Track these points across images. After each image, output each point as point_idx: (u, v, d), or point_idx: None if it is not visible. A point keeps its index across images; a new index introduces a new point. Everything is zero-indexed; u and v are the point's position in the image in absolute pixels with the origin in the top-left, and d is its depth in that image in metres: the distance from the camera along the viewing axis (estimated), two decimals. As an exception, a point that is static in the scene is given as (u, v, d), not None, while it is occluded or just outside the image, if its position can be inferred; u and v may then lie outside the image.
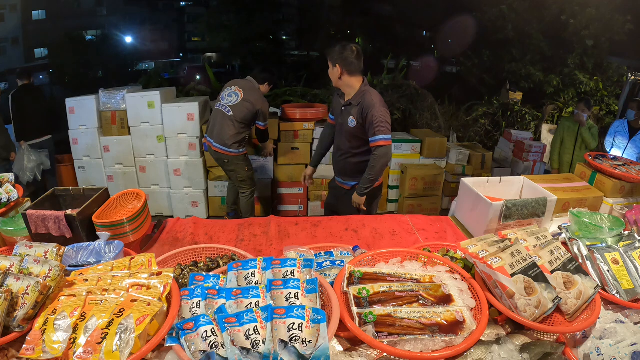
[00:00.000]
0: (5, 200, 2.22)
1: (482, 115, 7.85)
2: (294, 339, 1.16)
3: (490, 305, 1.44)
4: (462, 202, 2.51)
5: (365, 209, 2.93)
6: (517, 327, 1.45)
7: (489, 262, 1.45)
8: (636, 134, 4.72)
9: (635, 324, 1.46)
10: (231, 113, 4.15)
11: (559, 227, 2.04)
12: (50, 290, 1.35)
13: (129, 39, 14.54)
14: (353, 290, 1.39)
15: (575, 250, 1.79)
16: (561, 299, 1.47)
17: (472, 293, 1.50)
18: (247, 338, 1.17)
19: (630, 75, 8.04)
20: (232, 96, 4.22)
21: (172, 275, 1.43)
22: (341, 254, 1.78)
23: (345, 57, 2.78)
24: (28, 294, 1.28)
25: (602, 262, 1.68)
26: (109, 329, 1.17)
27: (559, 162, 5.26)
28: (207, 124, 4.38)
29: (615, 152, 4.84)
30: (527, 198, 2.20)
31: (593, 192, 2.49)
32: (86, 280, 1.44)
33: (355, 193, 2.90)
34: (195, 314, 1.30)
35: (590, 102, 5.20)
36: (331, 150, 3.25)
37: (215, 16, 13.87)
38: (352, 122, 2.83)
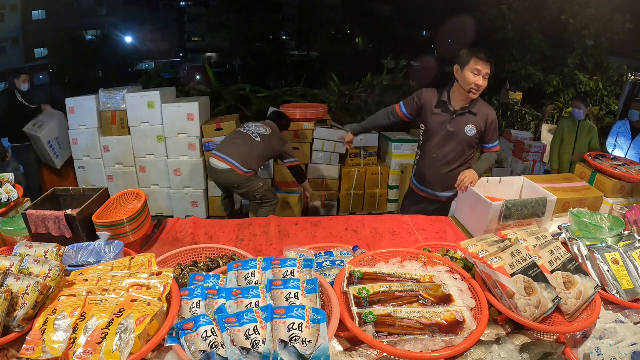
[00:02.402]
0: (5, 200, 2.21)
1: (483, 115, 7.84)
2: (294, 339, 1.16)
3: (490, 305, 1.44)
4: (462, 203, 2.51)
5: (468, 187, 2.59)
6: (517, 327, 1.45)
7: (489, 262, 1.45)
8: (639, 134, 4.72)
9: (635, 324, 1.46)
10: (259, 140, 4.10)
11: (559, 227, 2.04)
12: (50, 290, 1.35)
13: (128, 39, 14.55)
14: (353, 290, 1.39)
15: (575, 250, 1.79)
16: (561, 299, 1.47)
17: (472, 293, 1.50)
18: (247, 338, 1.17)
19: (630, 75, 8.02)
20: (260, 128, 4.20)
21: (172, 275, 1.43)
22: (341, 254, 1.78)
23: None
24: (28, 294, 1.28)
25: (602, 262, 1.68)
26: (109, 329, 1.17)
27: (559, 162, 5.25)
28: (224, 142, 4.18)
29: (618, 153, 4.83)
30: (527, 198, 2.20)
31: (593, 192, 2.49)
32: (86, 280, 1.44)
33: (473, 168, 2.64)
34: (195, 314, 1.30)
35: (586, 99, 5.21)
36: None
37: (215, 16, 13.87)
38: (472, 130, 2.78)
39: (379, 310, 1.32)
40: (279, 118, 4.48)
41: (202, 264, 1.72)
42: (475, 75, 2.62)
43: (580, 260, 1.74)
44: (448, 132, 2.82)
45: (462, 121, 2.78)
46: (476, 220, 2.30)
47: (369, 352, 1.29)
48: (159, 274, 1.43)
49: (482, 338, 1.33)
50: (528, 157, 6.15)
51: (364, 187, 5.64)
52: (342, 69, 9.29)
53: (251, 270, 1.48)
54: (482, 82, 2.63)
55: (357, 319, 1.29)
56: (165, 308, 1.31)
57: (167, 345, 1.20)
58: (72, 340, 1.18)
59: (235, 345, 1.16)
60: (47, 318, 1.24)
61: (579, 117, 5.00)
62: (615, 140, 4.95)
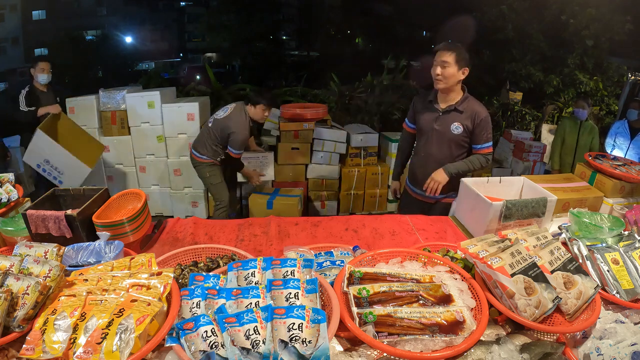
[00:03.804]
0: (5, 200, 2.21)
1: (483, 115, 7.84)
2: (294, 339, 1.16)
3: (490, 305, 1.44)
4: (462, 202, 2.51)
5: (437, 193, 2.78)
6: (517, 327, 1.45)
7: (489, 262, 1.45)
8: (638, 134, 4.72)
9: (635, 324, 1.46)
10: (210, 124, 4.15)
11: (559, 227, 2.04)
12: (50, 290, 1.35)
13: (128, 39, 14.56)
14: (353, 290, 1.39)
15: (575, 250, 1.79)
16: (561, 299, 1.47)
17: (472, 293, 1.50)
18: (247, 338, 1.17)
19: (630, 75, 8.03)
20: (220, 112, 4.19)
21: (172, 275, 1.43)
22: (341, 254, 1.78)
23: (468, 61, 2.74)
24: (28, 294, 1.28)
25: (602, 262, 1.68)
26: (109, 329, 1.17)
27: (560, 162, 5.24)
28: None
29: (617, 153, 4.83)
30: (527, 198, 2.20)
31: (593, 192, 2.49)
32: (86, 280, 1.44)
33: (442, 169, 2.75)
34: (195, 314, 1.30)
35: (588, 99, 5.21)
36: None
37: (215, 16, 13.88)
38: (457, 128, 2.77)
39: (379, 310, 1.32)
40: (254, 94, 4.18)
41: (202, 264, 1.72)
42: (434, 65, 2.74)
43: (580, 260, 1.74)
44: (435, 131, 2.85)
45: (448, 119, 2.80)
46: (476, 220, 2.30)
47: (369, 352, 1.29)
48: (159, 274, 1.43)
49: (482, 338, 1.33)
50: (528, 157, 6.15)
51: (364, 187, 5.64)
52: (342, 69, 9.30)
53: (251, 270, 1.48)
54: (441, 70, 2.69)
55: (357, 319, 1.29)
56: (165, 308, 1.31)
57: (167, 345, 1.20)
58: (72, 340, 1.18)
59: (235, 345, 1.16)
60: (47, 318, 1.24)
61: (582, 117, 5.00)
62: (614, 140, 4.95)
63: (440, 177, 2.74)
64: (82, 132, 4.76)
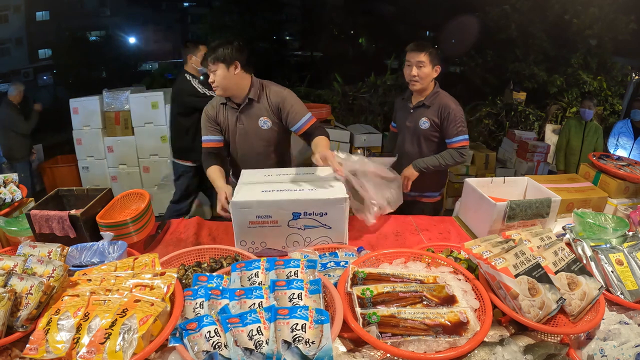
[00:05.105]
0: (9, 200, 2.22)
1: (486, 115, 7.83)
2: (297, 339, 1.16)
3: (494, 306, 1.44)
4: (466, 203, 2.51)
5: (407, 189, 2.74)
6: (521, 328, 1.45)
7: (492, 263, 1.45)
8: None
9: (640, 325, 1.46)
10: None
11: (563, 228, 2.04)
12: (54, 290, 1.35)
13: (132, 40, 14.56)
14: (356, 291, 1.39)
15: (579, 251, 1.79)
16: (565, 299, 1.46)
17: (476, 294, 1.49)
18: (251, 338, 1.17)
19: (634, 75, 8.00)
20: None
21: (175, 275, 1.43)
22: (345, 254, 1.77)
23: (439, 59, 2.76)
24: (32, 293, 1.29)
25: (606, 263, 1.67)
26: (112, 329, 1.17)
27: (565, 162, 5.23)
28: None
29: (620, 153, 4.81)
30: (531, 198, 2.19)
31: (597, 193, 2.48)
32: (90, 280, 1.44)
33: (411, 165, 2.74)
34: (199, 314, 1.30)
35: (594, 99, 5.20)
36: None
37: (218, 16, 13.86)
38: (425, 123, 2.78)
39: (382, 310, 1.32)
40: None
41: (205, 265, 1.72)
42: (408, 66, 2.75)
43: (584, 261, 1.73)
44: (407, 128, 2.88)
45: (417, 115, 2.83)
46: (480, 220, 2.30)
47: (372, 353, 1.29)
48: (162, 274, 1.43)
49: (485, 339, 1.33)
50: (532, 157, 6.13)
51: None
52: (345, 69, 9.28)
53: (255, 271, 1.48)
54: (416, 71, 2.71)
55: (361, 320, 1.29)
56: (168, 308, 1.31)
57: (170, 345, 1.20)
58: (75, 340, 1.18)
59: (238, 346, 1.16)
60: (51, 318, 1.24)
61: (588, 117, 4.98)
62: (617, 140, 4.93)
63: (408, 172, 2.72)
64: None
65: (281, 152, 2.67)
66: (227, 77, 2.34)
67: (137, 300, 1.29)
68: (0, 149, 5.49)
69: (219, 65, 2.31)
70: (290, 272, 1.45)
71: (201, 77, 3.91)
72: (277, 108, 2.46)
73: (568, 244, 1.86)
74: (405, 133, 2.93)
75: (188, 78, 3.82)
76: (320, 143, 2.33)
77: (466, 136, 2.74)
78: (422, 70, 2.70)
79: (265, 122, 2.39)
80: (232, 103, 2.49)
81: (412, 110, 2.86)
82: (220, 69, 2.32)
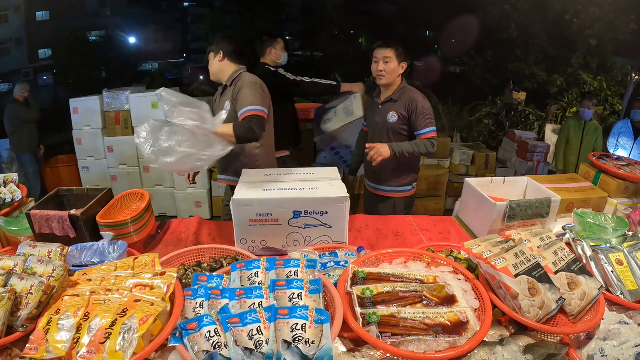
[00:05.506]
0: (9, 200, 2.22)
1: (486, 115, 7.83)
2: (297, 339, 1.16)
3: (494, 306, 1.44)
4: (466, 203, 2.51)
5: (375, 163, 2.61)
6: (521, 328, 1.45)
7: (492, 263, 1.45)
8: None
9: (640, 325, 1.46)
10: None
11: (563, 228, 2.03)
12: (54, 290, 1.35)
13: (132, 40, 14.55)
14: (357, 291, 1.39)
15: (579, 251, 1.79)
16: (565, 299, 1.46)
17: (476, 294, 1.49)
18: (251, 338, 1.17)
19: (634, 75, 8.00)
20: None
21: (175, 275, 1.43)
22: (346, 254, 1.77)
23: (406, 55, 2.82)
24: (32, 293, 1.29)
25: (606, 263, 1.67)
26: (113, 329, 1.17)
27: (565, 162, 5.23)
28: None
29: (620, 153, 4.81)
30: (531, 198, 2.19)
31: (597, 193, 2.48)
32: (90, 280, 1.44)
33: (387, 144, 2.64)
34: (199, 314, 1.30)
35: (593, 99, 5.20)
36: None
37: (219, 16, 13.86)
38: (393, 117, 2.82)
39: (382, 310, 1.32)
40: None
41: (205, 264, 1.72)
42: (375, 62, 2.85)
43: (584, 261, 1.73)
44: (376, 124, 2.93)
45: (385, 110, 2.88)
46: (480, 220, 2.30)
47: (372, 353, 1.29)
48: (162, 274, 1.43)
49: (485, 339, 1.33)
50: (532, 157, 6.13)
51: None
52: (345, 69, 9.29)
53: (255, 271, 1.48)
54: (383, 66, 2.79)
55: (361, 320, 1.29)
56: (168, 308, 1.32)
57: (171, 345, 1.20)
58: (75, 340, 1.18)
59: (238, 346, 1.16)
60: (51, 318, 1.24)
61: (588, 117, 4.99)
62: (617, 141, 4.93)
63: (383, 149, 2.61)
64: None
65: None
66: (212, 64, 2.69)
67: (137, 300, 1.29)
68: (9, 143, 5.64)
69: (210, 54, 2.68)
70: (291, 272, 1.45)
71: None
72: (236, 95, 2.56)
73: (568, 244, 1.86)
74: (374, 129, 2.98)
75: (273, 69, 3.80)
76: (223, 127, 2.25)
77: (434, 128, 2.79)
78: (388, 65, 2.78)
79: (227, 106, 2.44)
80: (220, 87, 2.81)
81: (380, 106, 2.92)
82: (209, 56, 2.69)
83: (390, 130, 2.85)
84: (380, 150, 2.59)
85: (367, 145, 2.65)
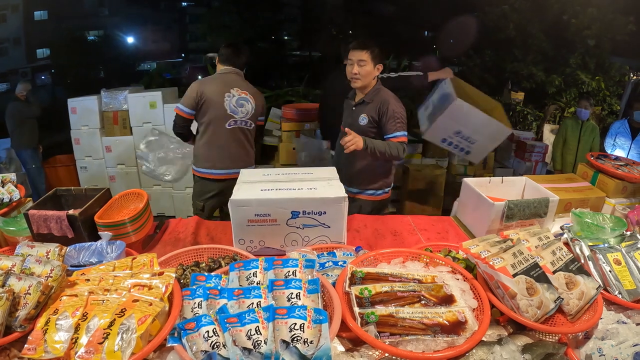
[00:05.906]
0: (7, 200, 2.22)
1: (484, 115, 7.82)
2: (295, 339, 1.16)
3: (492, 306, 1.44)
4: (464, 203, 2.51)
5: (347, 150, 2.59)
6: (519, 328, 1.45)
7: (490, 263, 1.45)
8: (639, 134, 4.71)
9: (638, 324, 1.46)
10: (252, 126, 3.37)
11: (561, 228, 2.04)
12: (52, 290, 1.35)
13: (130, 40, 14.56)
14: (355, 291, 1.39)
15: (577, 251, 1.79)
16: (563, 299, 1.46)
17: (474, 293, 1.50)
18: (249, 338, 1.17)
19: (632, 75, 8.01)
20: (244, 104, 3.26)
21: (173, 275, 1.43)
22: (344, 254, 1.77)
23: (382, 57, 2.80)
24: (30, 293, 1.29)
25: (604, 263, 1.68)
26: (111, 329, 1.17)
27: (562, 162, 5.25)
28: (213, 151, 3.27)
29: (618, 153, 4.82)
30: (529, 198, 2.20)
31: (595, 193, 2.48)
32: (88, 280, 1.44)
33: (362, 137, 2.61)
34: (197, 314, 1.30)
35: (591, 99, 5.22)
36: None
37: (217, 16, 13.85)
38: (363, 120, 2.81)
39: (380, 310, 1.32)
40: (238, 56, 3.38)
41: (203, 264, 1.72)
42: (350, 65, 2.80)
43: (582, 261, 1.73)
44: (349, 125, 2.85)
45: (357, 112, 2.87)
46: (478, 220, 2.30)
47: (370, 353, 1.29)
48: (160, 274, 1.43)
49: (483, 338, 1.33)
50: (530, 157, 6.13)
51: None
52: (344, 68, 9.27)
53: (253, 271, 1.48)
54: (357, 69, 2.76)
55: (359, 319, 1.29)
56: (166, 308, 1.31)
57: (169, 345, 1.20)
58: (73, 340, 1.18)
59: (236, 346, 1.16)
60: (49, 318, 1.24)
61: (585, 117, 5.01)
62: (614, 140, 4.94)
63: (358, 139, 2.60)
64: (477, 91, 4.01)
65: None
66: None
67: (136, 300, 1.29)
68: (9, 142, 5.70)
69: None
70: (289, 271, 1.45)
71: None
72: None
73: (566, 244, 1.86)
74: (345, 130, 2.92)
75: None
76: None
77: (405, 132, 2.76)
78: (363, 68, 2.75)
79: None
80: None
81: (354, 108, 2.91)
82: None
83: (360, 133, 2.75)
84: (355, 139, 2.59)
85: (345, 129, 2.65)
